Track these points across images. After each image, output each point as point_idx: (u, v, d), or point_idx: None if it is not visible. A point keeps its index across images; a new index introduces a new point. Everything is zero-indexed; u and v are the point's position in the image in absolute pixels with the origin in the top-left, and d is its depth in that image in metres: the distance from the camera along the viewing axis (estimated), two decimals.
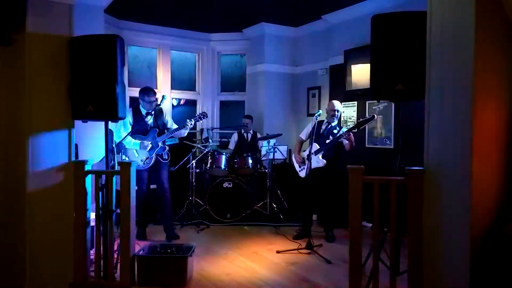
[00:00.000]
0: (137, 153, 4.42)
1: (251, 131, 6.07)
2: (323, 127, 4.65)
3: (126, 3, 5.48)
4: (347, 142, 4.33)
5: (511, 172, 2.65)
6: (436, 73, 2.51)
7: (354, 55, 5.39)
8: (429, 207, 2.55)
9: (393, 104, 4.68)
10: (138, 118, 4.41)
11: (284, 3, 5.57)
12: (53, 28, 2.99)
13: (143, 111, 4.40)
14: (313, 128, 4.29)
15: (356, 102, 5.50)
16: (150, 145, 4.39)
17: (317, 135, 4.57)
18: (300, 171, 4.71)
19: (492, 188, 2.52)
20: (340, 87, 5.63)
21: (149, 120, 4.48)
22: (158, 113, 4.55)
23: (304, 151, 4.70)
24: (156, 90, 5.70)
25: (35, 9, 2.91)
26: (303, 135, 4.84)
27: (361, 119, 4.20)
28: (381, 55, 2.85)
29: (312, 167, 4.36)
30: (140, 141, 4.37)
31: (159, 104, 4.27)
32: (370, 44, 2.91)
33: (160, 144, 4.44)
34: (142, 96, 4.40)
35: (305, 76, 6.70)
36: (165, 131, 4.53)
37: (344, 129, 4.44)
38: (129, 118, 4.39)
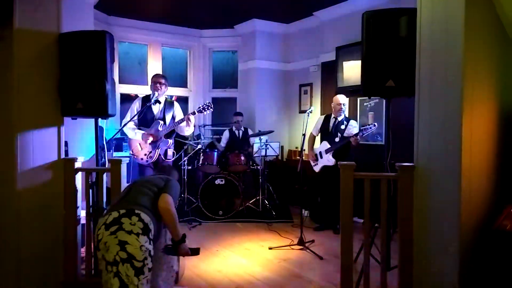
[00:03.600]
0: (141, 146, 4.21)
1: (242, 128, 6.06)
2: (331, 123, 4.74)
3: None
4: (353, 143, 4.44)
5: (500, 168, 2.69)
6: (426, 70, 2.53)
7: (345, 52, 5.40)
8: (419, 202, 2.57)
9: (384, 101, 4.70)
10: (146, 106, 4.16)
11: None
12: (41, 24, 2.94)
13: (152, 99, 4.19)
14: (306, 124, 4.31)
15: (347, 99, 5.50)
16: (151, 138, 4.17)
17: (326, 132, 4.73)
18: (314, 166, 4.87)
19: (481, 184, 2.55)
20: (331, 84, 5.65)
21: (156, 109, 4.26)
22: (168, 105, 4.33)
23: (315, 148, 4.89)
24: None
25: (23, 4, 2.85)
26: (315, 131, 4.96)
27: (362, 128, 4.37)
28: (372, 51, 2.85)
29: (323, 165, 4.70)
30: (143, 132, 4.15)
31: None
32: (361, 40, 2.92)
33: (162, 137, 4.18)
34: (151, 81, 4.30)
35: (297, 73, 6.70)
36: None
37: (353, 123, 4.67)
38: (137, 105, 4.26)
